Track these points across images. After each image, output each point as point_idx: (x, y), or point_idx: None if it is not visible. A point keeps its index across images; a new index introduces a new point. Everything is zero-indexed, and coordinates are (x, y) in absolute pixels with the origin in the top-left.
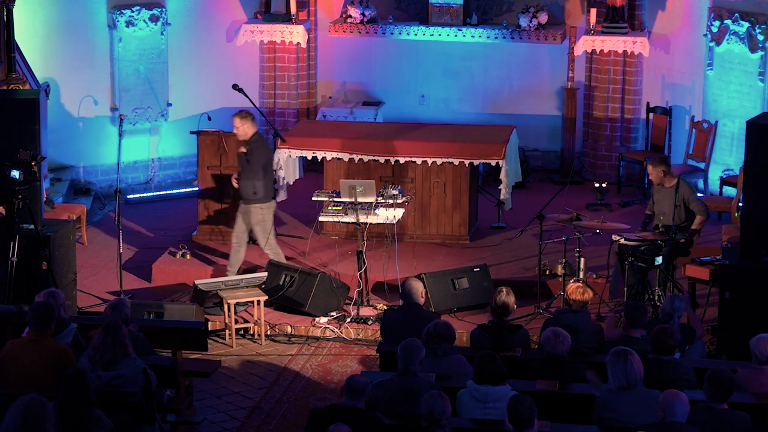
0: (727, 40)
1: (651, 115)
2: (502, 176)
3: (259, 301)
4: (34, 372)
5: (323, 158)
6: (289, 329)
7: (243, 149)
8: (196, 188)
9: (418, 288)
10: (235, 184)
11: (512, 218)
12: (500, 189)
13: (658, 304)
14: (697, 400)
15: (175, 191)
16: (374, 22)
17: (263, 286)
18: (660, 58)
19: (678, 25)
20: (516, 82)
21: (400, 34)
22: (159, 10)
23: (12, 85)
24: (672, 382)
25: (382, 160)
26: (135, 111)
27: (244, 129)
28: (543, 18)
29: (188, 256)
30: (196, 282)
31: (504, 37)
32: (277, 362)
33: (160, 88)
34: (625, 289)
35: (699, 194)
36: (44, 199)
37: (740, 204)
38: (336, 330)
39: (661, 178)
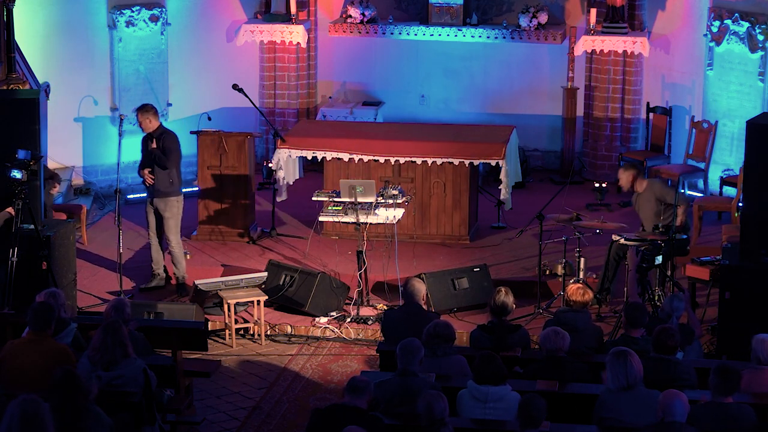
0: (727, 40)
1: (651, 115)
2: (502, 176)
3: (259, 301)
4: (34, 372)
5: (323, 158)
6: (289, 329)
7: (153, 144)
8: (196, 188)
9: (421, 289)
10: (150, 180)
11: (512, 218)
12: (500, 189)
13: (658, 304)
14: (698, 399)
15: None
16: (374, 22)
17: (263, 286)
18: (660, 58)
19: (678, 25)
20: (516, 82)
21: (400, 34)
22: (159, 10)
23: (12, 85)
24: (673, 381)
25: (382, 160)
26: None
27: (151, 123)
28: (543, 18)
29: (188, 256)
30: (196, 282)
31: (504, 37)
32: (277, 362)
33: (160, 88)
34: (625, 289)
35: (698, 194)
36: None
37: (740, 204)
38: (336, 330)
39: (630, 183)
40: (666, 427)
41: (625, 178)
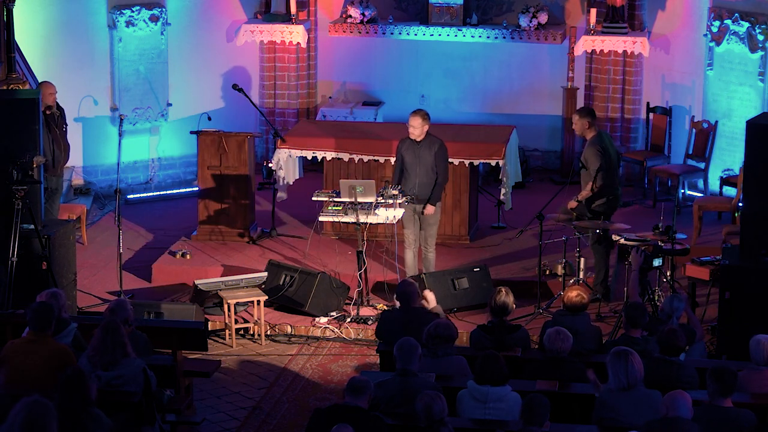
0: (727, 40)
1: (651, 115)
2: (502, 176)
3: (259, 301)
4: (34, 372)
5: (323, 158)
6: (289, 329)
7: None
8: (196, 188)
9: (415, 290)
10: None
11: (512, 218)
12: (500, 189)
13: (658, 304)
14: (699, 400)
15: (175, 191)
16: (374, 22)
17: (263, 286)
18: (660, 58)
19: (678, 25)
20: (516, 82)
21: (400, 34)
22: (159, 10)
23: (12, 85)
24: (675, 382)
25: (382, 160)
26: (135, 111)
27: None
28: (543, 18)
29: (188, 256)
30: (196, 282)
31: (504, 37)
32: (277, 362)
33: (160, 88)
34: (625, 289)
35: (698, 194)
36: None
37: (740, 204)
38: (336, 330)
39: (585, 129)
40: (670, 422)
41: (579, 125)
